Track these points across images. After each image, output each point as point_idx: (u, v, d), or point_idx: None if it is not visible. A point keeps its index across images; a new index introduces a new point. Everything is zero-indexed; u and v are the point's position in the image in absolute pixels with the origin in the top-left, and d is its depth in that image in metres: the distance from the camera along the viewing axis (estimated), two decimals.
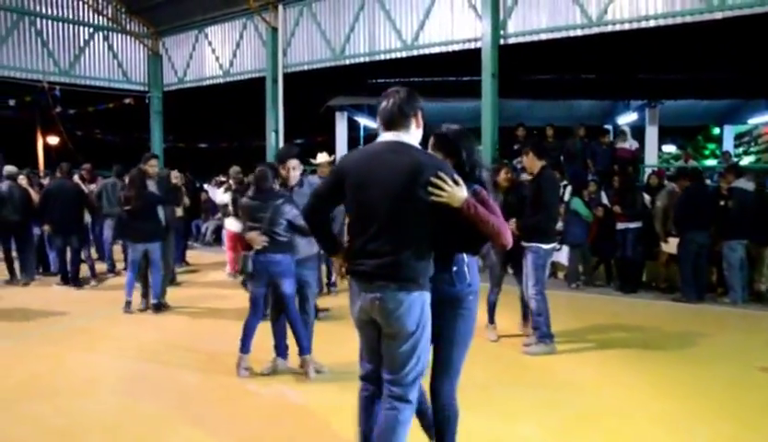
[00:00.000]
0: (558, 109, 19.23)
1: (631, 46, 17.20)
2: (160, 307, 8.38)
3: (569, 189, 11.20)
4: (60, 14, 19.07)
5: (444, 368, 3.32)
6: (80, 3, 19.42)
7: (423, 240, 3.03)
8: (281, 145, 18.22)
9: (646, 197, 10.56)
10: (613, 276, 10.46)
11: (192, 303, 8.85)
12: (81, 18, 19.55)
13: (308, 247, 5.62)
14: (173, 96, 21.55)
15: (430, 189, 2.92)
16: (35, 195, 10.81)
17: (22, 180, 11.04)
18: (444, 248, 3.15)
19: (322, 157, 8.87)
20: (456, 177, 2.99)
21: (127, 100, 20.48)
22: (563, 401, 5.07)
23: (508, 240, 3.09)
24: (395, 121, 3.11)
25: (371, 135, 22.39)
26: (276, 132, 18.18)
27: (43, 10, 18.69)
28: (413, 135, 3.14)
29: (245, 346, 5.62)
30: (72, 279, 10.28)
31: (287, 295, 5.50)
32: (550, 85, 19.61)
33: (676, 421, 4.67)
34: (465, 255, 3.33)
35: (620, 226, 10.04)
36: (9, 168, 10.94)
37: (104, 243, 11.94)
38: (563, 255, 10.62)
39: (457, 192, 2.95)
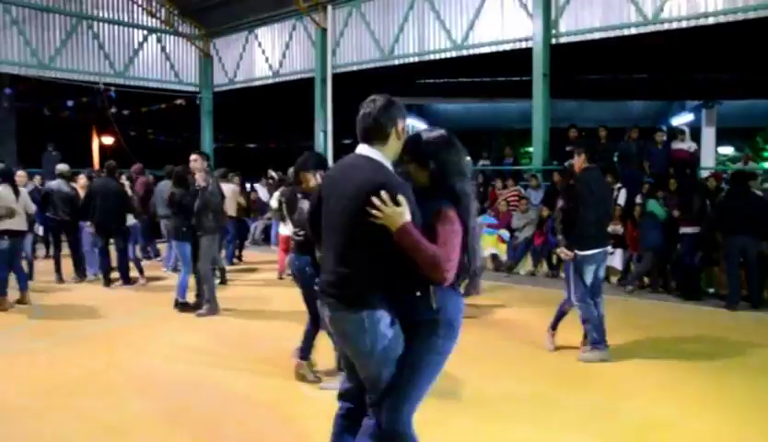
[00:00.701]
0: (610, 109, 18.90)
1: (687, 44, 16.72)
2: (185, 306, 8.31)
3: (623, 192, 10.92)
4: (116, 17, 19.58)
5: (390, 390, 2.92)
6: (135, 6, 19.89)
7: (375, 259, 2.83)
8: (329, 145, 18.32)
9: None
10: (670, 282, 10.13)
11: (240, 304, 8.86)
12: (136, 21, 20.02)
13: None
14: (223, 96, 21.90)
15: (368, 208, 2.71)
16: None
17: (81, 179, 11.24)
18: (403, 270, 2.84)
19: None
20: (400, 198, 2.72)
21: (178, 101, 20.86)
22: (621, 410, 4.92)
23: (443, 276, 2.76)
24: (369, 133, 2.92)
25: None
26: (325, 132, 18.28)
27: (100, 14, 19.21)
28: (390, 149, 2.95)
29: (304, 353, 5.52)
30: (122, 278, 10.30)
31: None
32: (602, 85, 19.26)
33: (736, 434, 4.49)
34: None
35: (681, 230, 9.68)
36: (61, 167, 11.13)
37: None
38: (616, 259, 10.35)
39: (394, 215, 2.70)
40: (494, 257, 11.92)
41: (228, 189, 11.21)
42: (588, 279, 6.04)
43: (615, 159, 12.11)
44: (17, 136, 27.35)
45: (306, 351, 5.52)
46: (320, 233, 3.14)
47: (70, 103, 20.86)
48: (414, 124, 21.71)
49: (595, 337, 6.10)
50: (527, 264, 11.81)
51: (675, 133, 12.80)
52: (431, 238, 2.76)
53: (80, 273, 10.79)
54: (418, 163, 2.99)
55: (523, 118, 16.47)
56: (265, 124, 26.43)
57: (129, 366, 6.06)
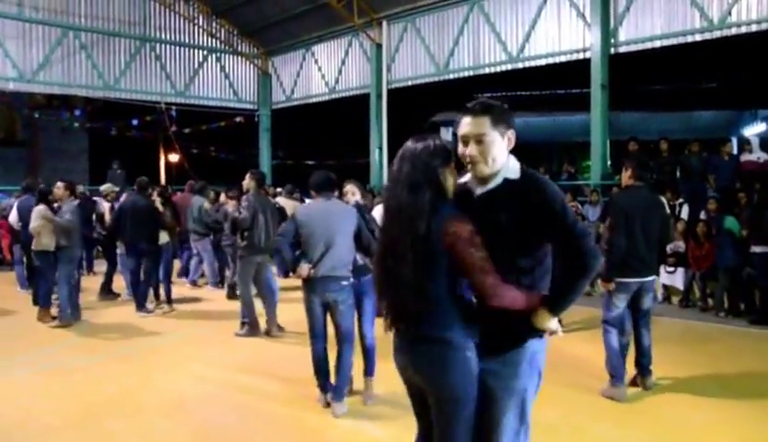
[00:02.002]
0: (675, 121, 18.13)
1: (757, 49, 15.89)
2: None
3: (686, 208, 10.37)
4: (177, 39, 20.07)
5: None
6: (196, 27, 20.35)
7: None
8: (384, 161, 18.20)
9: None
10: (740, 305, 9.43)
11: (286, 325, 8.72)
12: (196, 42, 20.48)
13: None
14: (281, 114, 22.14)
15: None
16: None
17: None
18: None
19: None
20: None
21: (238, 119, 21.19)
22: None
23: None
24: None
25: None
26: (380, 148, 18.19)
27: (163, 36, 19.75)
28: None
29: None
30: (137, 303, 9.39)
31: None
32: (666, 95, 18.53)
33: None
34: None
35: (753, 249, 8.97)
36: (104, 187, 11.31)
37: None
38: (677, 279, 9.78)
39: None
40: None
41: (293, 205, 11.11)
42: (618, 308, 5.53)
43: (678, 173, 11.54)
44: (89, 155, 28.67)
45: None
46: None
47: (135, 122, 21.52)
48: None
49: (608, 369, 5.54)
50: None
51: (743, 145, 12.11)
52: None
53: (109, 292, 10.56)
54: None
55: (583, 131, 15.95)
56: (323, 141, 26.60)
57: (161, 386, 5.99)
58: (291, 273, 5.50)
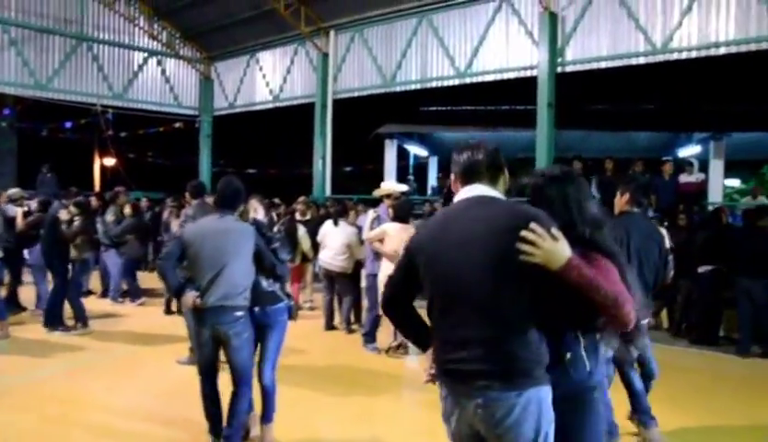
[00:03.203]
0: (615, 140, 18.47)
1: (694, 74, 16.40)
2: None
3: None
4: (116, 39, 19.35)
5: None
6: (136, 28, 19.68)
7: (527, 317, 2.28)
8: (328, 172, 17.95)
9: None
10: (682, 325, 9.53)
11: None
12: (136, 43, 19.80)
13: None
14: (223, 120, 21.64)
15: (520, 245, 2.21)
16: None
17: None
18: (549, 326, 2.33)
19: (387, 187, 8.30)
20: (555, 229, 2.24)
21: (177, 124, 20.57)
22: None
23: (628, 317, 2.23)
24: (486, 171, 2.47)
25: (421, 165, 21.96)
26: (324, 159, 17.93)
27: (100, 35, 19.03)
28: (499, 192, 2.50)
29: None
30: (45, 321, 8.70)
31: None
32: (608, 115, 18.87)
33: None
34: (580, 335, 2.45)
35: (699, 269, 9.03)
36: (11, 191, 10.45)
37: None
38: None
39: (556, 249, 2.20)
40: None
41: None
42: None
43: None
44: (17, 157, 27.30)
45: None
46: (405, 316, 2.63)
47: (68, 125, 20.63)
48: (417, 152, 21.40)
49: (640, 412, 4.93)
50: None
51: (682, 166, 12.40)
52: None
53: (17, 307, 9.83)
54: (547, 209, 2.42)
55: (527, 147, 16.07)
56: (265, 150, 26.16)
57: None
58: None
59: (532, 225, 2.20)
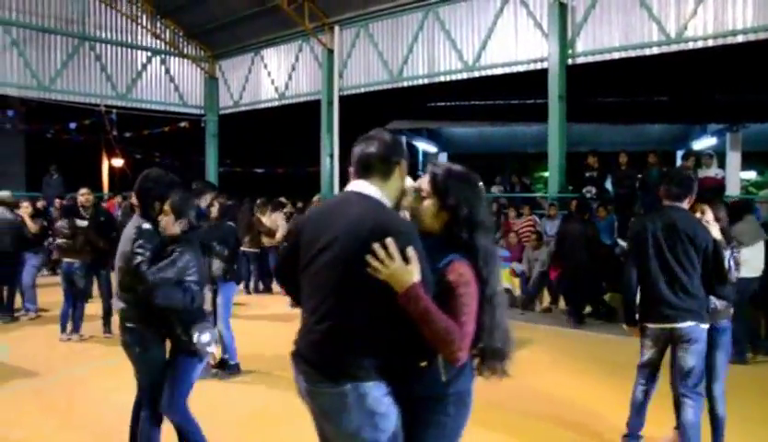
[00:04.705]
0: (628, 133, 18.13)
1: (710, 64, 15.96)
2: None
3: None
4: (119, 38, 19.13)
5: None
6: (139, 27, 19.44)
7: (371, 319, 2.30)
8: (336, 170, 17.69)
9: None
10: None
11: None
12: (139, 43, 19.57)
13: None
14: (229, 119, 21.38)
15: (368, 258, 2.21)
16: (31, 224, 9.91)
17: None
18: (406, 334, 2.31)
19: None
20: (410, 252, 2.22)
21: (182, 124, 20.32)
22: None
23: (456, 356, 2.26)
24: (371, 165, 2.44)
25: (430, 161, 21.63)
26: (331, 156, 17.65)
27: (103, 35, 18.80)
28: (391, 187, 2.47)
29: None
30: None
31: None
32: (620, 107, 18.52)
33: None
34: None
35: None
36: (2, 194, 9.96)
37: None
38: None
39: (401, 272, 2.20)
40: (507, 292, 11.15)
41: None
42: (645, 357, 4.57)
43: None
44: (26, 159, 27.24)
45: None
46: (294, 286, 2.58)
47: (73, 125, 20.42)
48: (425, 148, 21.07)
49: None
50: (543, 300, 10.97)
51: (699, 159, 11.98)
52: (440, 302, 2.27)
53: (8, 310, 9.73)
54: (441, 201, 2.47)
55: (537, 142, 15.75)
56: (273, 149, 25.89)
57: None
58: None
59: (387, 240, 2.21)
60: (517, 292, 10.91)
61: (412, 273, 2.21)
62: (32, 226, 9.86)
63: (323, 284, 2.37)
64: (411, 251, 2.22)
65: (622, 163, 11.86)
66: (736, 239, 5.39)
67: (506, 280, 11.05)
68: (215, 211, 6.23)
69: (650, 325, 4.45)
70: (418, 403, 2.44)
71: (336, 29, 17.24)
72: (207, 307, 4.23)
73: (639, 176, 11.79)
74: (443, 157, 21.25)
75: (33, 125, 23.63)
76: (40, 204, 13.56)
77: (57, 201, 14.26)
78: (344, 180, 17.94)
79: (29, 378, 6.54)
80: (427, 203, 2.49)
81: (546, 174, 14.81)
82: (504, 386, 6.08)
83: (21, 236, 9.66)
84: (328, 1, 16.71)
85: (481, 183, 2.62)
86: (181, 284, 3.80)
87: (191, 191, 4.33)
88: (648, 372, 4.58)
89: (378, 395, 2.33)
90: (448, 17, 14.97)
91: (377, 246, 2.20)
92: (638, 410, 4.63)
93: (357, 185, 2.44)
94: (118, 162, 25.89)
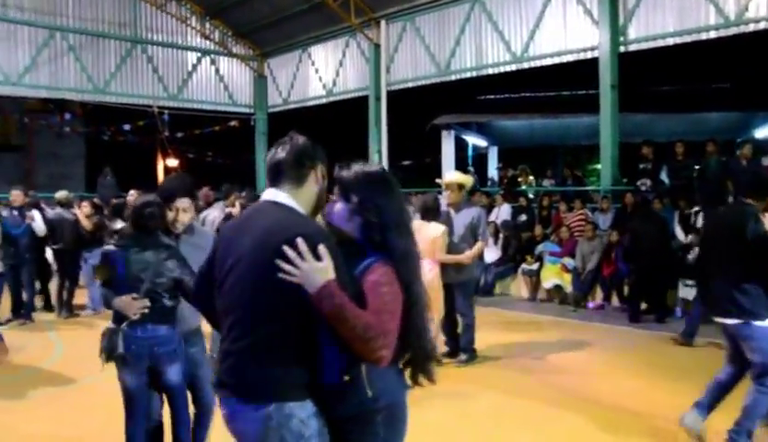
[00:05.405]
0: (685, 123, 17.46)
1: None
2: None
3: (702, 216, 9.71)
4: (169, 40, 19.46)
5: None
6: (188, 28, 19.73)
7: (287, 333, 2.18)
8: (385, 166, 17.57)
9: None
10: None
11: None
12: (189, 44, 19.88)
13: (194, 316, 3.88)
14: (278, 117, 21.51)
15: (279, 262, 2.11)
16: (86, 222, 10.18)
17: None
18: (328, 344, 2.20)
19: (450, 177, 7.54)
20: (321, 249, 2.12)
21: (232, 123, 20.57)
22: None
23: (378, 354, 2.11)
24: (282, 172, 2.35)
25: (480, 155, 21.35)
26: (380, 152, 17.60)
27: (154, 37, 19.15)
28: (305, 195, 2.37)
29: None
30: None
31: (175, 386, 3.87)
32: (676, 96, 17.87)
33: None
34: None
35: None
36: (60, 194, 10.48)
37: None
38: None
39: (311, 273, 2.10)
40: (558, 289, 10.86)
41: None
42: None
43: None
44: (85, 160, 28.09)
45: None
46: (212, 308, 2.45)
47: (127, 127, 20.90)
48: (475, 142, 20.79)
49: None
50: (595, 297, 10.63)
51: (762, 148, 11.42)
52: (361, 303, 2.15)
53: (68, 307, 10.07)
54: (348, 208, 2.36)
55: (589, 133, 15.30)
56: (321, 145, 26.01)
57: None
58: None
59: (297, 241, 2.12)
60: (569, 288, 10.60)
61: (324, 270, 2.11)
62: (87, 223, 10.12)
63: (237, 301, 2.26)
64: (322, 249, 2.12)
65: (678, 153, 11.38)
66: None
67: (557, 276, 10.77)
68: (235, 211, 6.29)
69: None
70: (343, 425, 2.28)
71: (382, 23, 17.15)
72: None
73: (697, 166, 11.31)
74: (493, 152, 20.98)
75: (91, 128, 24.37)
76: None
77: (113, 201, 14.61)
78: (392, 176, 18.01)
79: (81, 374, 6.61)
80: (338, 207, 2.38)
81: (599, 166, 14.39)
82: (561, 388, 5.94)
83: (78, 234, 10.03)
84: None
85: (394, 182, 2.44)
86: None
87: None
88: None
89: (304, 416, 2.19)
90: (496, 8, 14.70)
91: (286, 247, 2.11)
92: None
93: (269, 194, 2.36)
94: (172, 162, 26.45)
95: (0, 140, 26.17)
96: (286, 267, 2.11)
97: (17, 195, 9.46)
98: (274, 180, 2.36)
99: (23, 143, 26.46)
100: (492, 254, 11.65)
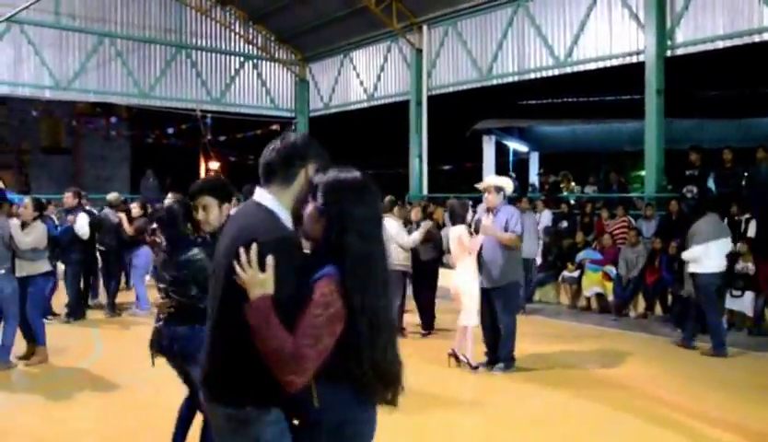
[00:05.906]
0: (733, 129, 16.99)
1: None
2: None
3: (754, 224, 9.41)
4: (213, 45, 19.77)
5: None
6: (232, 33, 20.01)
7: (247, 337, 2.12)
8: (425, 170, 17.56)
9: None
10: None
11: None
12: (232, 49, 20.16)
13: None
14: (319, 121, 21.65)
15: (234, 262, 2.13)
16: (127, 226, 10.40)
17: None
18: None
19: (488, 180, 7.37)
20: (269, 260, 2.10)
21: (274, 126, 20.76)
22: None
23: (285, 378, 2.06)
24: (270, 171, 2.34)
25: (521, 160, 21.13)
26: (420, 157, 17.55)
27: (198, 42, 19.49)
28: (292, 194, 2.34)
29: None
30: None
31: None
32: (725, 101, 17.42)
33: None
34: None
35: None
36: (111, 196, 10.90)
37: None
38: (746, 303, 8.81)
39: (253, 281, 2.09)
40: (599, 297, 10.65)
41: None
42: None
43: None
44: (131, 162, 28.74)
45: None
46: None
47: (170, 130, 21.26)
48: (516, 147, 20.59)
49: None
50: (638, 306, 10.39)
51: None
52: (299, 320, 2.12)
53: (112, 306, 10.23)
54: (315, 207, 2.28)
55: (634, 139, 15.00)
56: (362, 150, 26.07)
57: None
58: None
59: (252, 245, 2.11)
60: (610, 297, 10.38)
61: (263, 283, 2.09)
62: (128, 227, 10.30)
63: (211, 302, 2.33)
64: (270, 260, 2.10)
65: (726, 160, 11.06)
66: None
67: (599, 284, 10.57)
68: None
69: None
70: (294, 432, 2.27)
71: (424, 28, 17.13)
72: None
73: (746, 173, 10.97)
74: (534, 157, 20.72)
75: (136, 131, 24.90)
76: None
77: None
78: (433, 181, 17.81)
79: (120, 374, 6.72)
80: (309, 207, 2.30)
81: (642, 173, 14.09)
82: (601, 402, 5.78)
83: (121, 236, 10.30)
84: (416, 0, 16.59)
85: (368, 191, 2.34)
86: None
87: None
88: None
89: (266, 420, 2.20)
90: (539, 12, 14.52)
91: (241, 250, 2.11)
92: None
93: (257, 194, 2.35)
94: (214, 165, 26.82)
95: (50, 143, 27.02)
96: (237, 269, 2.12)
97: (67, 197, 9.75)
98: (264, 179, 2.35)
99: (71, 146, 27.21)
100: (531, 249, 11.01)
